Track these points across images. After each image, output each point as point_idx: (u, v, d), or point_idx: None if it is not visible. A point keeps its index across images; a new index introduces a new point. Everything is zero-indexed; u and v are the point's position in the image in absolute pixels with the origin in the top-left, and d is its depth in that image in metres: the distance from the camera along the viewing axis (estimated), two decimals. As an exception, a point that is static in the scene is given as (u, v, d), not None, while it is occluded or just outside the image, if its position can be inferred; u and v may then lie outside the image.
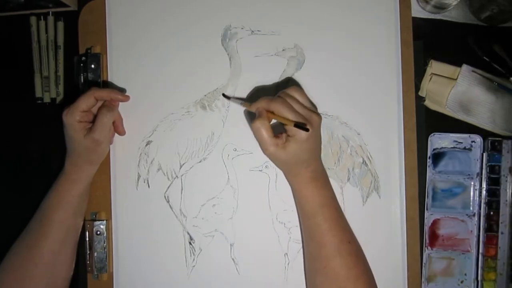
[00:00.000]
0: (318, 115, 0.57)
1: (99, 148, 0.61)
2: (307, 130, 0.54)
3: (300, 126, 0.54)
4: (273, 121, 0.56)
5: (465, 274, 0.63)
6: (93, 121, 0.60)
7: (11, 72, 0.70)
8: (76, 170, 0.62)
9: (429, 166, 0.64)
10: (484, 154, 0.63)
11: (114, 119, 0.63)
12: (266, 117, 0.55)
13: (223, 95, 0.65)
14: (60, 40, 0.69)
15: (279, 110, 0.55)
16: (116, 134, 0.66)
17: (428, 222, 0.64)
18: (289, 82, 0.65)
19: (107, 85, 0.67)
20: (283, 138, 0.56)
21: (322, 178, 0.59)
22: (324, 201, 0.58)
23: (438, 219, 0.64)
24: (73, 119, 0.59)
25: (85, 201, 0.65)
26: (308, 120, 0.55)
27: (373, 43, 0.65)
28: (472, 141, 0.64)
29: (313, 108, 0.58)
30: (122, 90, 0.66)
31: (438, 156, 0.64)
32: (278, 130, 0.57)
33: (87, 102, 0.59)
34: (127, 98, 0.64)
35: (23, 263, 0.60)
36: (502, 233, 0.63)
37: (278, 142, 0.56)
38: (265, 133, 0.55)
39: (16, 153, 0.69)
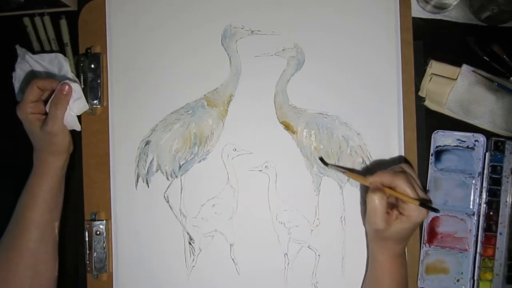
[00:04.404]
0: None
1: (56, 139, 0.61)
2: (437, 211, 0.53)
3: (428, 206, 0.53)
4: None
5: (462, 273, 0.63)
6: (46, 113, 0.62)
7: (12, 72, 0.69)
8: (42, 164, 0.62)
9: (431, 163, 0.64)
10: (487, 153, 0.63)
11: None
12: (384, 191, 0.55)
13: (321, 159, 0.63)
14: (66, 37, 0.69)
15: (403, 187, 0.54)
16: (116, 135, 0.66)
17: (427, 219, 0.64)
18: (400, 161, 0.63)
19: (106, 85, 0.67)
20: (393, 215, 0.55)
21: (404, 255, 0.60)
22: (401, 280, 0.59)
23: (438, 217, 0.64)
24: (25, 112, 0.61)
25: (60, 198, 0.64)
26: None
27: (373, 43, 0.65)
28: (476, 140, 0.64)
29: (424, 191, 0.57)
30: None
31: (440, 154, 0.64)
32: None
33: (32, 93, 0.61)
34: (65, 86, 0.62)
35: (5, 265, 0.60)
36: (500, 233, 0.63)
37: (389, 219, 0.55)
38: (381, 209, 0.54)
39: (19, 153, 0.69)
